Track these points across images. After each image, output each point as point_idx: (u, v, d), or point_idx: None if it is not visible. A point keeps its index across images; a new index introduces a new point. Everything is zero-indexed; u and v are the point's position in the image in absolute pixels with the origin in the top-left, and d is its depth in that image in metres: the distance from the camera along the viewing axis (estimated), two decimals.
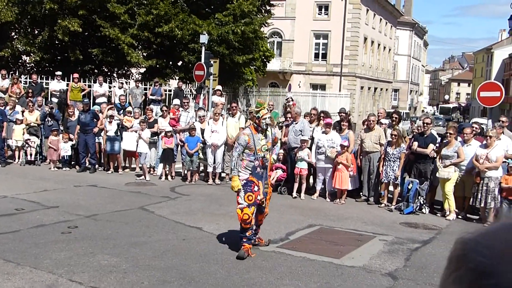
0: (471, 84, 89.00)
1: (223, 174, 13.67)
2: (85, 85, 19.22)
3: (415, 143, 11.24)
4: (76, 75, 18.50)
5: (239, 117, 13.62)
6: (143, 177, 13.45)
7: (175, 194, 11.77)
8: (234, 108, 13.69)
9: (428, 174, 11.10)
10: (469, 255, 0.78)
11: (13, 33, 22.62)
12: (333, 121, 12.95)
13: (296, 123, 12.47)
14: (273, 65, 36.85)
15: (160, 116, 14.38)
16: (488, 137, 10.46)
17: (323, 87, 41.91)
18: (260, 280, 6.39)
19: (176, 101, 15.49)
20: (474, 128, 11.72)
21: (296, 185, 12.10)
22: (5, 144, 14.90)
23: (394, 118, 12.48)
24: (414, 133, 12.30)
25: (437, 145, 11.33)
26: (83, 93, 18.50)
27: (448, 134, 10.91)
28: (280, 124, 13.50)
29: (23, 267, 6.42)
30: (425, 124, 11.48)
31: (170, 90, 21.92)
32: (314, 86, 42.22)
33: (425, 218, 10.64)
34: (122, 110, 15.50)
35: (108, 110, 14.62)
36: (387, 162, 11.35)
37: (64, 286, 5.89)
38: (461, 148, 10.63)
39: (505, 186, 10.16)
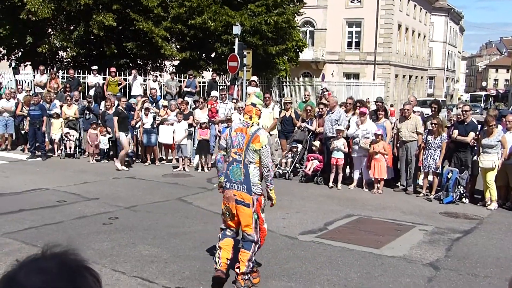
0: (509, 70, 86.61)
1: None
2: (122, 79, 19.49)
3: (455, 131, 11.02)
4: (113, 69, 18.78)
5: (273, 107, 13.64)
6: (180, 168, 13.60)
7: (212, 185, 11.82)
8: (267, 98, 13.68)
9: (468, 163, 10.88)
10: None
11: (49, 29, 23.07)
12: (370, 110, 12.83)
13: (332, 113, 12.38)
14: (306, 54, 36.62)
15: (198, 108, 14.46)
16: None
17: (356, 76, 41.47)
18: (300, 270, 6.40)
19: (215, 93, 15.59)
20: None
21: (332, 175, 12.04)
22: (46, 138, 15.28)
23: (433, 108, 12.21)
24: (453, 121, 12.06)
25: (478, 133, 11.09)
26: (120, 86, 18.78)
27: (488, 123, 10.64)
28: (315, 114, 13.43)
29: None
30: (464, 112, 11.24)
31: (204, 82, 22.03)
32: (348, 75, 41.81)
33: (465, 207, 10.45)
34: (154, 103, 15.66)
35: (143, 103, 14.81)
36: (427, 151, 11.16)
37: (108, 276, 6.02)
38: (505, 137, 10.35)
39: None
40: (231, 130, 6.11)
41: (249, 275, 5.92)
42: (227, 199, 5.99)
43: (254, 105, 6.14)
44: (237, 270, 5.90)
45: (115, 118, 13.67)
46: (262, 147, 5.87)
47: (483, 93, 75.18)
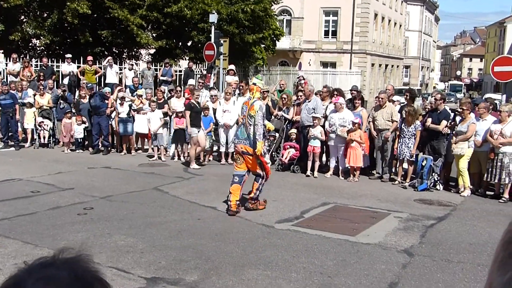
0: (483, 59, 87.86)
1: None
2: (98, 67, 19.20)
3: (429, 120, 11.14)
4: (90, 58, 18.49)
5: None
6: (155, 157, 13.50)
7: (189, 175, 11.81)
8: (243, 87, 13.62)
9: (441, 150, 11.01)
10: None
11: (22, 17, 22.57)
12: (345, 99, 12.86)
13: (309, 101, 12.39)
14: (283, 43, 36.59)
15: (174, 97, 14.30)
16: (500, 113, 10.33)
17: (333, 65, 41.60)
18: (276, 258, 6.41)
19: (191, 82, 15.45)
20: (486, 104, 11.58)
21: (309, 163, 12.07)
22: (19, 127, 14.98)
23: (406, 96, 12.33)
24: (427, 109, 12.19)
25: (451, 121, 11.23)
26: (97, 75, 18.51)
27: (461, 110, 10.79)
28: (292, 103, 13.42)
29: (41, 248, 6.48)
30: (436, 100, 11.35)
31: (180, 71, 21.85)
32: (325, 64, 41.92)
33: (439, 194, 10.59)
34: (135, 92, 15.49)
35: (118, 91, 14.62)
36: (401, 140, 11.27)
37: None
38: (473, 125, 10.48)
39: None
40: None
41: (256, 202, 8.60)
42: (236, 151, 8.90)
43: (255, 84, 8.82)
44: (249, 196, 8.59)
45: (187, 113, 12.59)
46: (256, 112, 8.33)
47: (463, 82, 76.21)
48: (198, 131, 12.61)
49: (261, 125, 8.40)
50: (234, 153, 8.90)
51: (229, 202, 8.39)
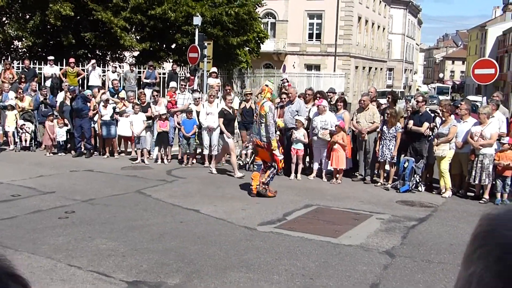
0: (465, 62, 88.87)
1: None
2: (81, 70, 19.05)
3: (411, 122, 11.23)
4: (72, 60, 18.32)
5: (232, 98, 13.53)
6: (138, 160, 13.42)
7: (172, 177, 11.76)
8: (228, 90, 13.61)
9: (423, 152, 11.10)
10: (497, 230, 0.78)
11: (4, 18, 22.33)
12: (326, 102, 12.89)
13: (292, 104, 12.42)
14: (267, 46, 36.64)
15: (152, 102, 14.20)
16: (480, 115, 10.45)
17: (317, 67, 41.78)
18: (258, 261, 6.41)
19: (173, 84, 15.36)
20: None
21: (293, 166, 12.09)
22: (0, 130, 14.80)
23: (388, 99, 12.43)
24: (409, 112, 12.29)
25: (433, 123, 11.33)
26: (79, 77, 18.36)
27: (441, 112, 10.90)
28: (276, 106, 13.42)
29: (21, 253, 6.41)
30: (418, 102, 11.46)
31: (164, 73, 21.77)
32: (309, 67, 42.07)
33: (421, 196, 10.67)
34: (116, 95, 15.38)
35: (102, 94, 14.51)
36: (383, 141, 11.35)
37: (63, 271, 5.88)
38: (454, 127, 10.58)
39: (498, 163, 10.19)
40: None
41: (267, 187, 9.90)
42: (253, 144, 10.72)
43: (266, 85, 10.42)
44: (261, 180, 9.89)
45: (221, 120, 12.28)
46: (266, 113, 9.74)
47: (446, 84, 76.77)
48: (232, 138, 12.35)
49: (272, 125, 9.77)
50: (252, 145, 11.21)
51: (251, 186, 9.98)
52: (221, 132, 12.35)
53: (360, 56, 45.47)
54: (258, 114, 10.04)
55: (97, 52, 23.88)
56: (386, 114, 11.43)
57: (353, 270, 6.23)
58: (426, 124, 11.04)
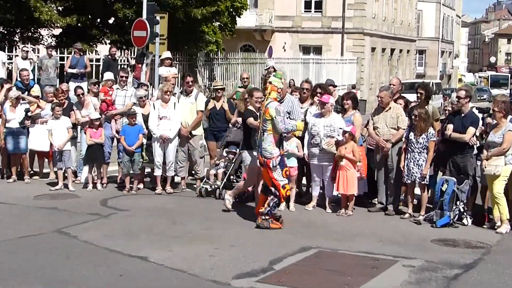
0: None
1: (177, 179, 13.55)
2: None
3: (450, 126, 11.23)
4: None
5: (196, 95, 13.45)
6: (59, 185, 13.30)
7: (108, 210, 11.69)
8: (189, 83, 13.54)
9: (468, 169, 11.12)
10: None
11: None
12: (335, 99, 12.91)
13: (281, 102, 12.36)
14: (247, 20, 36.91)
15: (76, 102, 14.09)
16: None
17: (318, 50, 42.11)
18: None
19: (109, 75, 15.26)
20: None
21: None
22: None
23: (419, 95, 12.41)
24: (447, 112, 12.33)
25: (481, 127, 11.36)
26: None
27: (493, 112, 10.89)
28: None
29: None
30: (460, 99, 11.42)
31: (98, 60, 21.70)
32: (306, 49, 42.41)
33: (467, 231, 10.69)
34: (26, 92, 15.24)
35: (6, 90, 14.37)
36: (409, 155, 11.32)
37: None
38: (509, 133, 10.55)
39: None
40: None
41: (268, 218, 10.37)
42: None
43: (270, 82, 10.85)
44: (257, 209, 10.62)
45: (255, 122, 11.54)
46: (273, 118, 10.28)
47: (505, 72, 77.33)
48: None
49: (284, 129, 10.54)
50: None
51: (255, 204, 11.01)
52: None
53: (378, 34, 45.88)
54: (261, 119, 10.55)
55: (2, 29, 23.74)
56: (413, 116, 11.39)
57: None
58: (471, 130, 11.06)
